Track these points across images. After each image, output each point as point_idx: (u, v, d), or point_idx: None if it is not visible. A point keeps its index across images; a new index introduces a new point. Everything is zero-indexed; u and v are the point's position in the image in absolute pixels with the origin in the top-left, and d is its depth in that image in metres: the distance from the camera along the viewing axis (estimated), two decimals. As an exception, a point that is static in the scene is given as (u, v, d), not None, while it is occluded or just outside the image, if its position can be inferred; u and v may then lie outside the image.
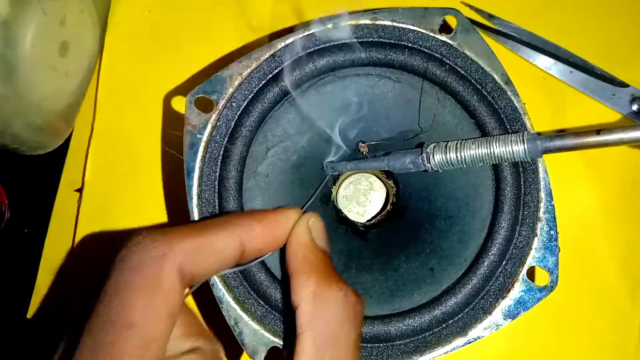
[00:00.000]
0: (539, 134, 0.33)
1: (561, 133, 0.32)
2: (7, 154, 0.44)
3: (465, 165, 0.34)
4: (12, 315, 0.46)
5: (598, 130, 0.30)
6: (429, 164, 0.34)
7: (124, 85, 0.48)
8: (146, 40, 0.49)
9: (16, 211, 0.47)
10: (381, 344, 0.34)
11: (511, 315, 0.34)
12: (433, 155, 0.34)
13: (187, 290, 0.29)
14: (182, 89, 0.48)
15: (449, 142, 0.34)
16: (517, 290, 0.34)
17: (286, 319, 0.33)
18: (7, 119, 0.40)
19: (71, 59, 0.44)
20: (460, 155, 0.33)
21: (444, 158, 0.34)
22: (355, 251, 0.38)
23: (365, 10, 0.36)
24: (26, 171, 0.48)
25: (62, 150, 0.48)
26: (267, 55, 0.36)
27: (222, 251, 0.28)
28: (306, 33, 0.36)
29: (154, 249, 0.26)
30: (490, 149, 0.33)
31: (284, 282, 0.34)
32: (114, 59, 0.49)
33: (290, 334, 0.30)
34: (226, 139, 0.35)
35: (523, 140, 0.32)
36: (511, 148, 0.32)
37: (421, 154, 0.34)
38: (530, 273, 0.35)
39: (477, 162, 0.33)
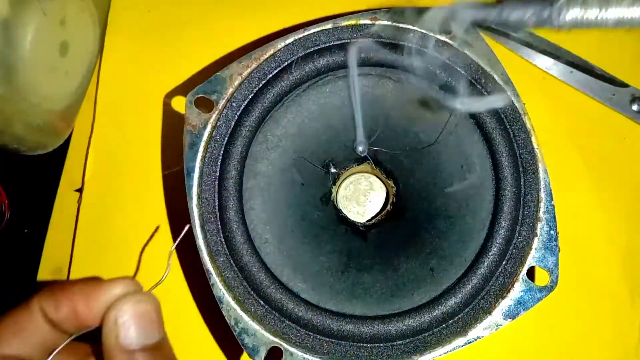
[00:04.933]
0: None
1: None
2: (7, 154, 0.44)
3: (605, 27, 0.26)
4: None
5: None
6: (558, 20, 0.26)
7: (124, 85, 0.48)
8: (146, 40, 0.49)
9: (16, 211, 0.47)
10: (381, 344, 0.34)
11: (511, 315, 0.34)
12: (567, 9, 0.26)
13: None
14: (182, 89, 0.47)
15: None
16: (517, 290, 0.34)
17: None
18: (7, 119, 0.40)
19: (71, 59, 0.44)
20: (604, 16, 0.26)
21: (581, 16, 0.26)
22: (355, 251, 0.38)
23: (365, 10, 0.36)
24: (26, 171, 0.48)
25: (62, 150, 0.48)
26: (267, 55, 0.36)
27: (27, 329, 0.26)
28: (306, 33, 0.36)
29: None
30: None
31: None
32: (114, 59, 0.49)
33: None
34: (226, 139, 0.35)
35: None
36: None
37: (551, 5, 0.26)
38: (530, 273, 0.35)
39: (623, 25, 0.26)
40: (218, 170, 0.35)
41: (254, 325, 0.33)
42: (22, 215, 0.47)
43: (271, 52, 0.36)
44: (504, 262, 0.34)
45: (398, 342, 0.34)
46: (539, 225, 0.34)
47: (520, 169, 0.35)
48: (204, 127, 0.35)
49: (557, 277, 0.34)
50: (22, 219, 0.47)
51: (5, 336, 0.26)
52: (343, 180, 0.42)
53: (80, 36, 0.45)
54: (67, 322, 0.26)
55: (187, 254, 0.45)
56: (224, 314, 0.34)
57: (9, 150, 0.43)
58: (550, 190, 0.35)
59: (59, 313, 0.26)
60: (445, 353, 0.34)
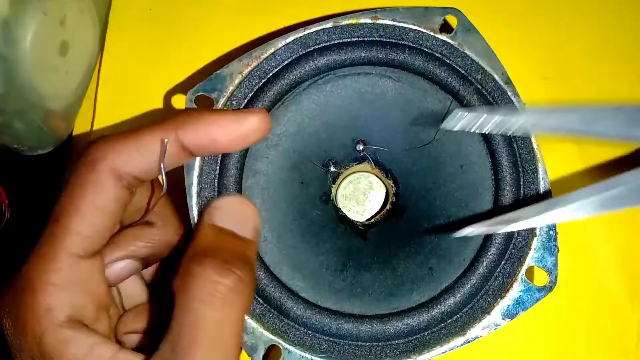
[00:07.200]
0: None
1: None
2: (7, 154, 0.43)
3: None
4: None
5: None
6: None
7: (125, 84, 0.48)
8: (147, 38, 0.49)
9: (16, 211, 0.47)
10: (379, 343, 0.34)
11: (510, 315, 0.34)
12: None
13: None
14: (182, 88, 0.47)
15: None
16: (516, 290, 0.34)
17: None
18: (7, 118, 0.40)
19: (71, 59, 0.44)
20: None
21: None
22: (354, 250, 0.38)
23: (366, 9, 0.36)
24: (26, 171, 0.48)
25: (62, 150, 0.48)
26: (268, 53, 0.36)
27: (156, 150, 0.29)
28: (307, 31, 0.36)
29: (90, 155, 0.28)
30: None
31: None
32: (115, 58, 0.49)
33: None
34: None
35: None
36: None
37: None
38: (530, 273, 0.35)
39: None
40: (217, 168, 0.35)
41: (252, 323, 0.33)
42: (22, 215, 0.47)
43: (272, 50, 0.36)
44: (502, 262, 0.34)
45: (396, 341, 0.34)
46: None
47: (520, 169, 0.35)
48: (204, 125, 0.35)
49: (556, 277, 0.34)
50: (22, 219, 0.47)
51: (136, 155, 0.29)
52: (343, 179, 0.42)
53: (80, 36, 0.45)
54: (202, 149, 0.30)
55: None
56: (223, 312, 0.33)
57: (9, 150, 0.43)
58: (550, 190, 0.35)
59: (196, 132, 0.29)
60: (443, 352, 0.34)
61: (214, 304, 0.26)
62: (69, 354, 0.26)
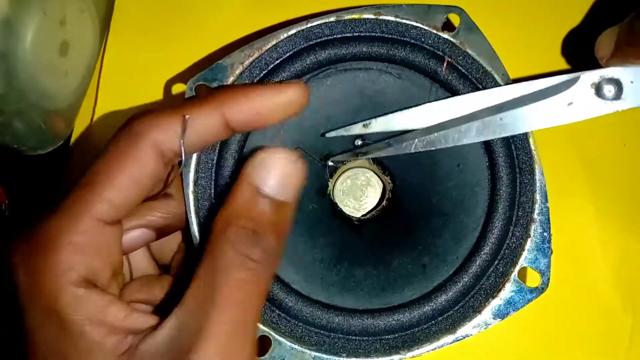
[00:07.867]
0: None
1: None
2: (8, 153, 0.43)
3: None
4: (12, 315, 0.46)
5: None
6: None
7: (126, 82, 0.48)
8: (149, 32, 0.49)
9: (16, 211, 0.47)
10: (369, 338, 0.34)
11: (501, 315, 0.34)
12: None
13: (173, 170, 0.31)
14: (183, 79, 0.47)
15: None
16: (508, 290, 0.34)
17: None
18: (8, 118, 0.40)
19: (71, 59, 0.44)
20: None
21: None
22: (348, 245, 0.38)
23: (369, 5, 0.36)
24: (26, 171, 0.47)
25: (62, 151, 0.47)
26: (269, 45, 0.36)
27: (202, 128, 0.29)
28: (309, 25, 0.36)
29: (134, 128, 0.28)
30: None
31: None
32: (117, 53, 0.48)
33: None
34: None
35: None
36: None
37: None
38: (523, 274, 0.35)
39: None
40: (215, 158, 0.35)
41: (244, 313, 0.34)
42: (23, 216, 0.47)
43: (273, 42, 0.36)
44: (495, 262, 0.34)
45: (386, 336, 0.34)
46: (533, 226, 0.35)
47: (517, 170, 0.35)
48: (203, 115, 0.35)
49: (548, 279, 0.34)
50: (22, 219, 0.47)
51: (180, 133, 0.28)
52: (340, 174, 0.42)
53: (80, 36, 0.45)
54: (244, 121, 0.30)
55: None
56: (215, 302, 0.34)
57: (10, 150, 0.43)
58: (546, 192, 0.35)
59: (241, 108, 0.30)
60: (433, 350, 0.34)
61: (240, 273, 0.26)
62: (84, 311, 0.26)
